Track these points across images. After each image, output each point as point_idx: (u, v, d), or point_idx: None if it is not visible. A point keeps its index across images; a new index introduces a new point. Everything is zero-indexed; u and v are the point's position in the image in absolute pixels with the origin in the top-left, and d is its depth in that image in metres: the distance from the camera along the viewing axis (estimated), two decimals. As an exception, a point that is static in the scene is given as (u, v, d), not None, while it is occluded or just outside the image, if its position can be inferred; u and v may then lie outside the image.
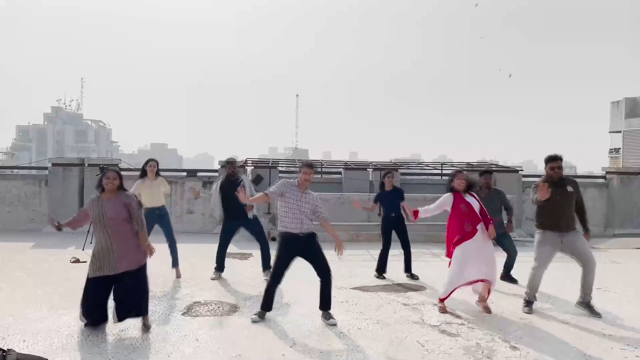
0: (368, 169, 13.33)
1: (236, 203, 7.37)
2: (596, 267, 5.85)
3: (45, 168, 12.61)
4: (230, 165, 7.74)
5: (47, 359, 3.83)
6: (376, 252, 7.91)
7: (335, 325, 5.30)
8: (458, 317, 5.64)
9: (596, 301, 6.32)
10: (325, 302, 5.54)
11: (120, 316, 4.97)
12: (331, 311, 5.64)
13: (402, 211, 7.80)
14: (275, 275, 5.50)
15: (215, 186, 7.68)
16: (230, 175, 7.56)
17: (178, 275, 7.49)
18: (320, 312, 5.55)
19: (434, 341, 4.82)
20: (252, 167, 12.82)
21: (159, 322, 5.27)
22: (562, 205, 5.86)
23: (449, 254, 5.97)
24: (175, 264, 7.64)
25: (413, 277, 7.66)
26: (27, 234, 11.12)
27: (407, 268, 7.78)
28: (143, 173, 7.51)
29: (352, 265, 8.55)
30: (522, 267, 6.64)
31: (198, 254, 9.17)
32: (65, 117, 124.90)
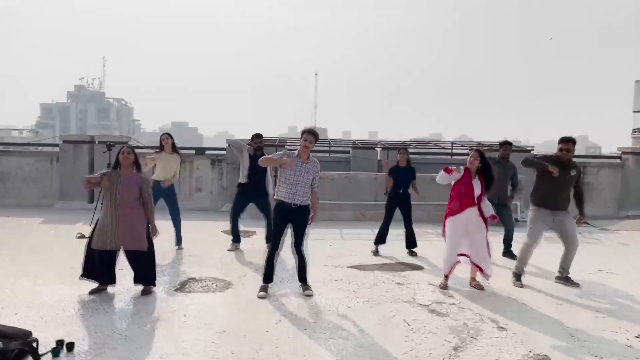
0: (376, 148, 13.23)
1: (256, 178, 7.53)
2: (578, 247, 6.12)
3: (57, 145, 12.78)
4: (257, 139, 7.84)
5: (30, 332, 3.89)
6: (390, 231, 7.84)
7: (310, 296, 5.48)
8: (451, 296, 5.60)
9: (598, 283, 6.26)
10: (301, 275, 5.71)
11: (136, 281, 5.50)
12: (324, 288, 5.73)
13: (409, 189, 7.81)
14: (274, 242, 5.60)
15: (246, 153, 7.75)
16: (257, 149, 7.67)
17: (180, 249, 7.63)
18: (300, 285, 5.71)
19: (421, 320, 4.79)
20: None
21: (151, 297, 5.33)
22: (563, 187, 6.01)
23: (443, 232, 6.02)
24: (178, 242, 7.74)
25: (412, 254, 7.64)
26: (39, 210, 11.30)
27: (409, 244, 7.76)
28: (161, 147, 7.65)
29: (354, 244, 8.54)
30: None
31: (203, 231, 9.25)
32: (88, 95, 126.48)
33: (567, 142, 5.95)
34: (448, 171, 5.78)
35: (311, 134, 5.48)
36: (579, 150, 6.69)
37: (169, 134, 7.82)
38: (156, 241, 7.68)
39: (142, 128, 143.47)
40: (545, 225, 6.07)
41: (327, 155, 13.50)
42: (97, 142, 12.34)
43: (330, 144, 13.85)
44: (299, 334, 4.39)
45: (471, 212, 5.76)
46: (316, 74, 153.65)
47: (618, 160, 13.51)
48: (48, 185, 12.39)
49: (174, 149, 7.70)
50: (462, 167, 5.88)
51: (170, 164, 7.58)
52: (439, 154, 14.56)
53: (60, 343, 3.90)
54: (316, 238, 9.00)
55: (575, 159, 6.38)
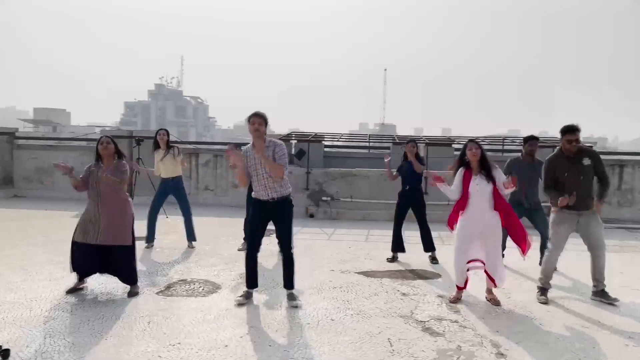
0: (419, 144, 12.43)
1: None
2: (605, 251, 5.27)
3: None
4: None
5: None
6: (410, 233, 7.20)
7: (297, 307, 4.89)
8: (457, 312, 4.89)
9: (633, 304, 5.29)
10: (287, 281, 5.11)
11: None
12: (317, 296, 5.19)
13: (421, 185, 7.12)
14: (248, 243, 5.12)
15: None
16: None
17: (191, 247, 7.40)
18: (286, 293, 5.14)
19: (408, 340, 4.15)
20: (295, 142, 12.42)
21: (127, 300, 5.03)
22: (578, 183, 5.19)
23: (450, 224, 5.34)
24: (190, 237, 7.51)
25: (434, 261, 6.89)
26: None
27: (427, 248, 7.01)
28: (156, 144, 7.47)
29: (376, 246, 7.92)
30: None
31: (226, 228, 9.02)
32: (166, 94, 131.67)
33: (574, 132, 5.11)
34: (435, 182, 5.26)
35: (257, 116, 4.84)
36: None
37: (166, 130, 7.56)
38: (165, 238, 7.51)
39: (217, 125, 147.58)
40: (570, 228, 5.28)
41: (367, 151, 12.88)
42: (135, 138, 12.42)
43: (369, 139, 13.20)
44: (259, 352, 3.89)
45: (482, 215, 5.07)
46: (385, 70, 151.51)
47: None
48: (90, 180, 12.62)
49: (169, 145, 7.41)
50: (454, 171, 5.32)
51: (170, 158, 7.34)
52: (488, 150, 13.49)
53: (-4, 349, 3.66)
54: (337, 239, 8.52)
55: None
